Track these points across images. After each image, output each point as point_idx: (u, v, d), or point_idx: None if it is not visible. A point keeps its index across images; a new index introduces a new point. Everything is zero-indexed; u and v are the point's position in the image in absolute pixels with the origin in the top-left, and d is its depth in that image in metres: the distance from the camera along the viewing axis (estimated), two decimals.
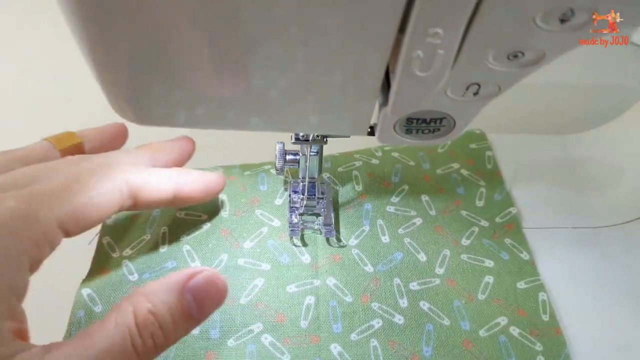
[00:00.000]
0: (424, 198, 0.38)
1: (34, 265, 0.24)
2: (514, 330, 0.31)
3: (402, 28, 0.18)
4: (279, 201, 0.36)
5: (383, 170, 0.39)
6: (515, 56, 0.19)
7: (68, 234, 0.26)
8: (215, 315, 0.30)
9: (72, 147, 0.31)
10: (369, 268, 0.33)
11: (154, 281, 0.25)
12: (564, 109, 0.53)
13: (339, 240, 0.34)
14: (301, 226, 0.34)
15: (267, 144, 0.36)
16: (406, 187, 0.38)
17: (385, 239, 0.35)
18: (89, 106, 0.54)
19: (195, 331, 0.30)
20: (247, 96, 0.22)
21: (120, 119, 0.24)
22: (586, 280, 0.35)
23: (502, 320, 0.32)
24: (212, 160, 0.42)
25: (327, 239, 0.34)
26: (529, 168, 0.42)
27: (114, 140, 0.34)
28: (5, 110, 0.55)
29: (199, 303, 0.25)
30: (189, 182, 0.31)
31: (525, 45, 0.19)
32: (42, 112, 0.55)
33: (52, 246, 0.25)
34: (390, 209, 0.37)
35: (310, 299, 0.31)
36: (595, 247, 0.37)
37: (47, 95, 0.56)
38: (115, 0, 0.17)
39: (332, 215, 0.35)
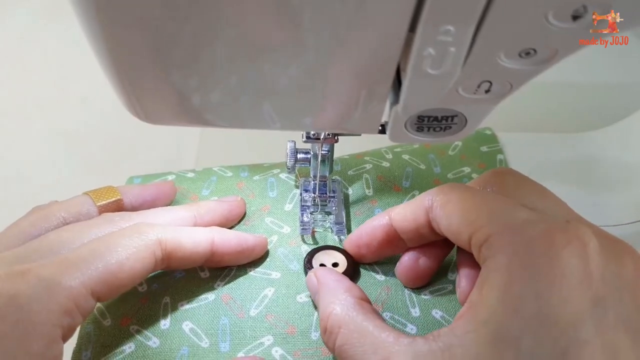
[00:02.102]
0: None
1: (67, 334, 0.25)
2: None
3: (412, 26, 0.18)
4: (288, 206, 0.36)
5: (394, 174, 0.38)
6: (528, 54, 0.19)
7: (100, 299, 0.26)
8: (225, 328, 0.30)
9: (111, 203, 0.31)
10: (380, 276, 0.32)
11: None
12: (575, 107, 0.53)
13: None
14: (312, 225, 0.34)
15: (277, 143, 0.36)
16: (417, 192, 0.37)
17: None
18: (103, 105, 0.54)
19: (205, 344, 0.29)
20: (257, 96, 0.22)
21: (132, 118, 0.24)
22: None
23: None
24: (222, 159, 0.42)
25: (339, 238, 0.34)
26: (539, 167, 0.42)
27: (156, 199, 0.34)
28: (20, 109, 0.56)
29: None
30: (225, 242, 0.31)
31: (537, 43, 0.19)
32: (57, 112, 0.55)
33: (84, 314, 0.25)
34: None
35: None
36: None
37: (61, 95, 0.57)
38: (128, 4, 0.18)
39: (344, 213, 0.35)
